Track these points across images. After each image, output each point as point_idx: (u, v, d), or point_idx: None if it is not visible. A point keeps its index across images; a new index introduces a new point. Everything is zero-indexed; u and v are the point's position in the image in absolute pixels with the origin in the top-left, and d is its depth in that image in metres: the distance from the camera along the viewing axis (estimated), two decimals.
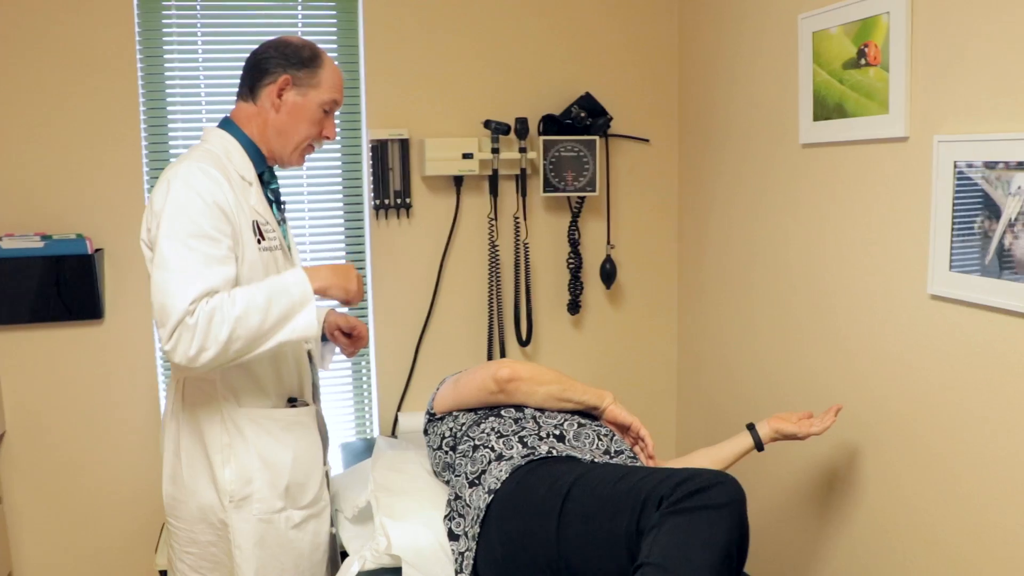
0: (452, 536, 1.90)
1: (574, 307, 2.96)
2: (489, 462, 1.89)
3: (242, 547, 1.89)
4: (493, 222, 2.87)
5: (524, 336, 2.94)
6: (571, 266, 2.94)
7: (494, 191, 2.84)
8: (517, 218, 2.89)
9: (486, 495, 1.80)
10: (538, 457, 1.84)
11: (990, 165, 1.77)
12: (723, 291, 2.79)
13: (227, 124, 1.95)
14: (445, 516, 1.95)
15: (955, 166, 1.85)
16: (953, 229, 1.87)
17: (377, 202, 2.77)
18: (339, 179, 2.82)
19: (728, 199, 2.72)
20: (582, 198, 2.92)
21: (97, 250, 2.57)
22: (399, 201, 2.78)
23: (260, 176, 1.97)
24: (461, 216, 2.85)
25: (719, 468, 2.12)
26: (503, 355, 2.93)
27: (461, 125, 2.81)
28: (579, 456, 1.85)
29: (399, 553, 1.87)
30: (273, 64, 1.91)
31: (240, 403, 1.89)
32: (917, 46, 1.94)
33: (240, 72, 1.96)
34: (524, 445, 1.90)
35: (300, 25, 2.72)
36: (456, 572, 1.83)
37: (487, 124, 2.75)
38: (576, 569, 1.58)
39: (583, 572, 1.57)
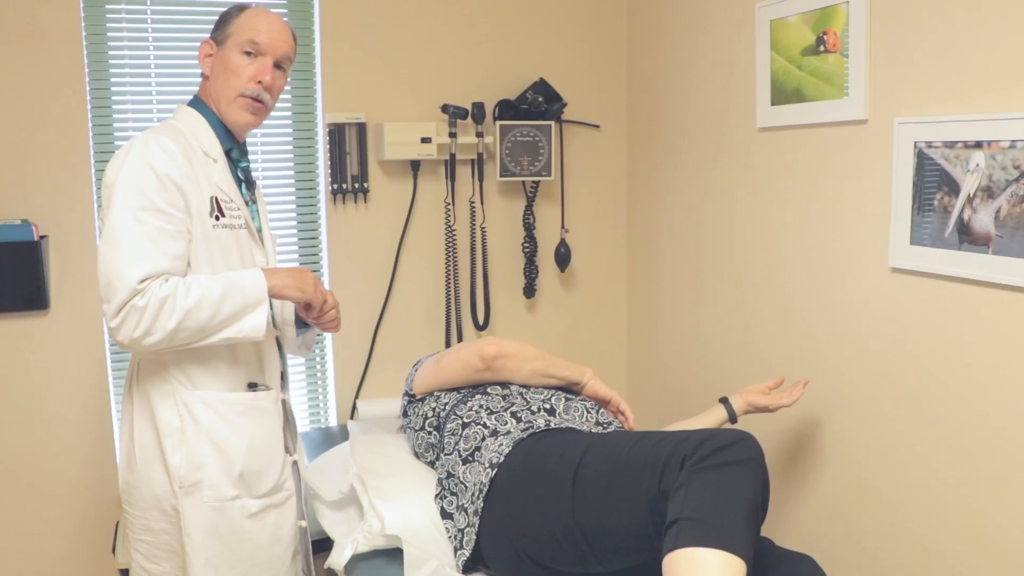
0: (445, 514, 1.91)
1: (529, 291, 2.99)
2: (483, 439, 1.90)
3: (192, 535, 1.83)
4: (450, 207, 2.87)
5: (481, 321, 2.95)
6: (526, 250, 2.97)
7: (451, 176, 2.84)
8: (473, 203, 2.91)
9: (488, 469, 1.81)
10: (539, 430, 1.87)
11: (949, 144, 1.90)
12: (674, 272, 2.87)
13: (195, 101, 1.94)
14: (436, 495, 1.95)
15: (915, 146, 1.97)
16: (914, 205, 1.99)
17: (334, 187, 2.73)
18: (291, 163, 2.77)
19: (679, 183, 2.80)
20: (537, 183, 2.96)
21: (42, 237, 2.45)
22: (356, 186, 2.75)
23: (228, 153, 1.93)
24: (418, 201, 2.85)
25: None
26: (461, 339, 2.94)
27: (418, 109, 2.81)
28: (577, 427, 1.89)
29: (396, 533, 1.86)
30: (209, 35, 1.93)
31: (195, 386, 1.84)
32: (876, 34, 2.05)
33: (190, 46, 1.95)
34: (518, 420, 1.92)
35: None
36: (456, 549, 1.84)
37: (445, 108, 2.76)
38: (593, 534, 1.61)
39: (600, 537, 1.60)
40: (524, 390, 2.07)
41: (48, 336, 2.51)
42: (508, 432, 1.89)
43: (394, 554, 1.90)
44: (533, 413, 1.96)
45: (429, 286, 2.91)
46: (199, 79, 1.96)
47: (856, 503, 2.19)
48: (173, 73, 2.58)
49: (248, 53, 1.87)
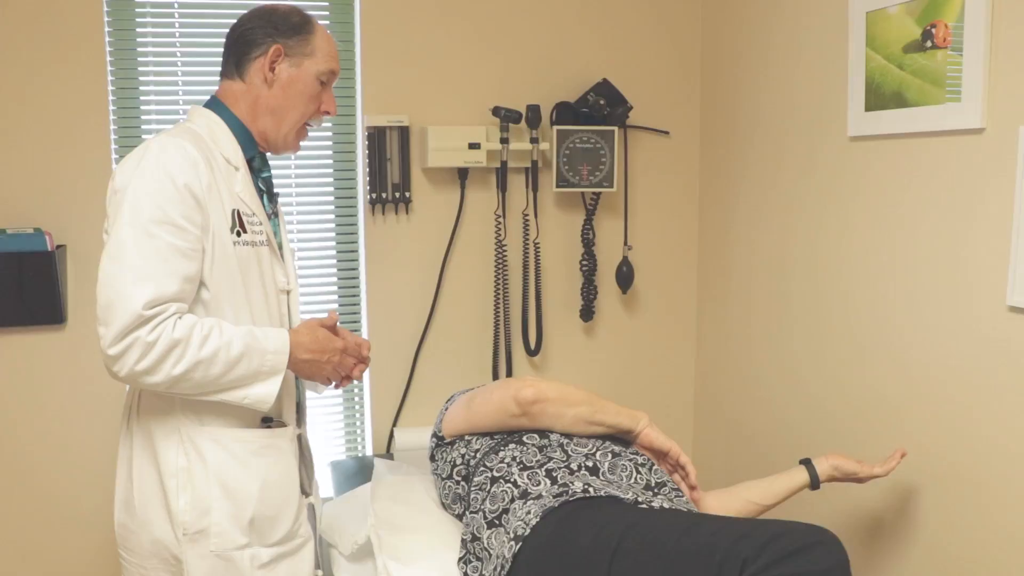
0: None
1: (587, 313, 2.71)
2: (511, 500, 1.63)
3: None
4: (501, 219, 2.61)
5: (533, 345, 2.68)
6: (584, 268, 2.69)
7: (502, 185, 2.58)
8: (527, 215, 2.64)
9: (512, 542, 1.54)
10: (573, 498, 1.58)
11: None
12: (750, 299, 2.55)
13: (214, 104, 1.72)
14: (460, 559, 1.69)
15: None
16: None
17: (373, 196, 2.50)
18: (330, 170, 2.55)
19: (758, 197, 2.48)
20: (597, 194, 2.67)
21: (58, 247, 2.29)
22: (397, 195, 2.52)
23: (250, 162, 1.73)
24: (465, 213, 2.60)
25: (770, 503, 1.88)
26: (510, 366, 2.68)
27: (466, 112, 2.56)
28: (620, 495, 1.60)
29: None
30: (260, 34, 1.69)
31: (202, 421, 1.63)
32: (998, 26, 1.71)
33: (221, 49, 1.73)
34: (554, 481, 1.64)
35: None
36: None
37: (496, 111, 2.50)
38: None
39: None
40: (566, 440, 1.79)
41: (65, 352, 2.35)
42: (539, 496, 1.61)
43: None
44: (572, 472, 1.67)
45: (476, 306, 2.65)
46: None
47: None
48: (201, 72, 2.39)
49: (323, 82, 1.72)
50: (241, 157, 1.69)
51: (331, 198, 2.57)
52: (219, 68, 1.73)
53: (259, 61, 1.68)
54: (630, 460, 1.75)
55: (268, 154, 1.80)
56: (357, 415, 2.68)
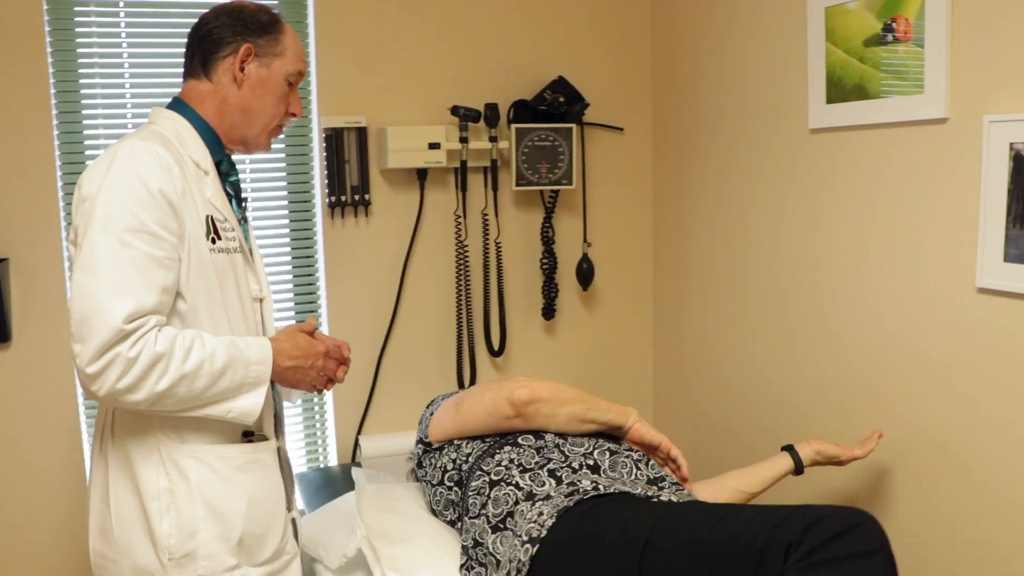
0: None
1: (549, 312, 2.71)
2: (516, 502, 1.61)
3: None
4: (461, 220, 2.58)
5: (496, 346, 2.66)
6: (545, 267, 2.69)
7: (462, 185, 2.56)
8: (486, 215, 2.62)
9: (527, 544, 1.52)
10: (587, 496, 1.57)
11: None
12: (710, 290, 2.59)
13: (178, 105, 1.64)
14: (462, 566, 1.66)
15: (1011, 148, 1.70)
16: (1009, 216, 1.71)
17: (332, 199, 2.44)
18: (284, 173, 2.48)
19: (714, 191, 2.52)
20: (556, 192, 2.67)
21: (1, 260, 2.16)
22: (356, 198, 2.46)
23: (217, 166, 1.66)
24: (425, 214, 2.56)
25: (756, 491, 1.91)
26: (473, 368, 2.65)
27: (423, 112, 2.52)
28: (631, 491, 1.59)
29: None
30: (229, 33, 1.62)
31: (182, 439, 1.56)
32: (959, 19, 1.78)
33: (182, 48, 1.67)
34: (559, 481, 1.63)
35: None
36: None
37: (455, 111, 2.47)
38: None
39: None
40: (561, 440, 1.77)
41: (10, 372, 2.21)
42: (548, 496, 1.59)
43: None
44: (575, 471, 1.66)
45: (438, 309, 2.62)
46: (180, 79, 1.67)
47: (937, 555, 1.91)
48: (150, 75, 2.28)
49: (291, 83, 1.67)
50: (210, 160, 1.63)
51: (285, 203, 2.49)
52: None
53: (228, 60, 1.61)
54: (627, 456, 1.75)
55: (235, 156, 1.74)
56: (318, 425, 2.61)
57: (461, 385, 2.64)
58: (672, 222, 2.74)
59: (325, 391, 1.76)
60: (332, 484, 2.40)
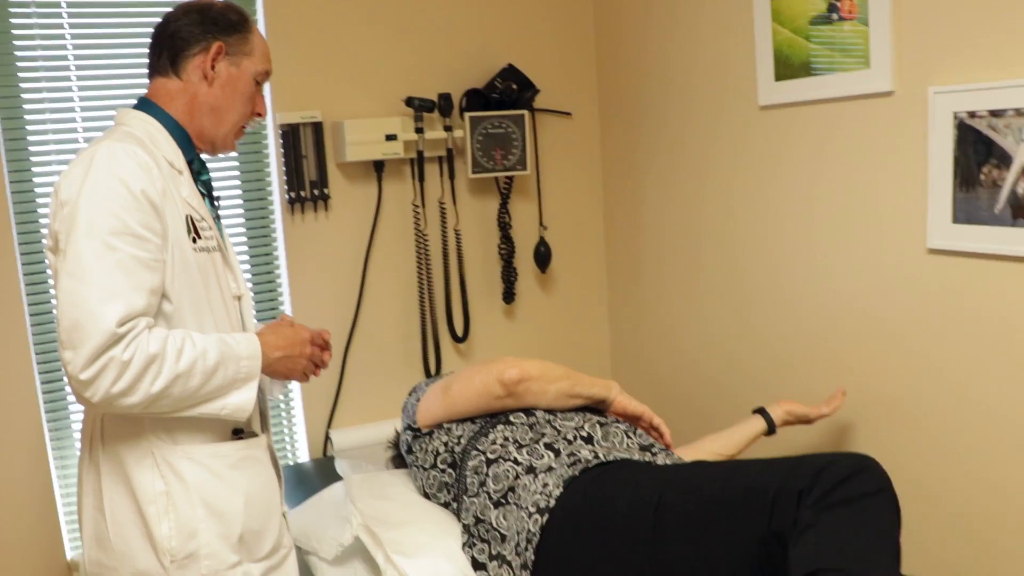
0: (477, 565, 1.66)
1: (509, 296, 2.75)
2: (516, 477, 1.65)
3: None
4: (420, 210, 2.60)
5: (460, 332, 2.70)
6: (503, 252, 2.73)
7: (419, 175, 2.57)
8: (443, 204, 2.65)
9: (536, 515, 1.57)
10: (591, 464, 1.62)
11: (997, 113, 1.75)
12: (663, 267, 2.68)
13: (146, 105, 1.62)
14: (464, 544, 1.70)
15: (955, 117, 1.82)
16: (956, 181, 1.83)
17: (292, 195, 2.43)
18: (237, 172, 2.45)
19: (667, 168, 2.60)
20: (511, 178, 2.71)
21: None
22: (316, 192, 2.46)
23: (189, 164, 1.64)
24: (384, 205, 2.57)
25: (733, 452, 2.00)
26: (438, 355, 2.68)
27: (378, 104, 2.53)
28: (630, 457, 1.66)
29: None
30: (199, 31, 1.61)
31: (175, 440, 1.55)
32: None
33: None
34: (557, 453, 1.68)
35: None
36: None
37: (409, 102, 2.49)
38: None
39: None
40: (551, 416, 1.83)
41: None
42: (550, 468, 1.64)
43: None
44: (570, 443, 1.72)
45: (401, 298, 2.63)
46: (139, 79, 1.65)
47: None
48: (98, 76, 2.23)
49: (258, 83, 1.67)
50: (183, 160, 1.61)
51: (240, 200, 2.46)
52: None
53: (199, 58, 1.60)
54: (616, 427, 1.82)
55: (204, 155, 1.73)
56: (285, 422, 2.60)
57: (428, 372, 2.67)
58: (623, 201, 2.82)
59: (314, 377, 1.77)
60: (307, 480, 2.40)
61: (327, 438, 2.57)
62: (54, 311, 2.23)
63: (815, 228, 2.16)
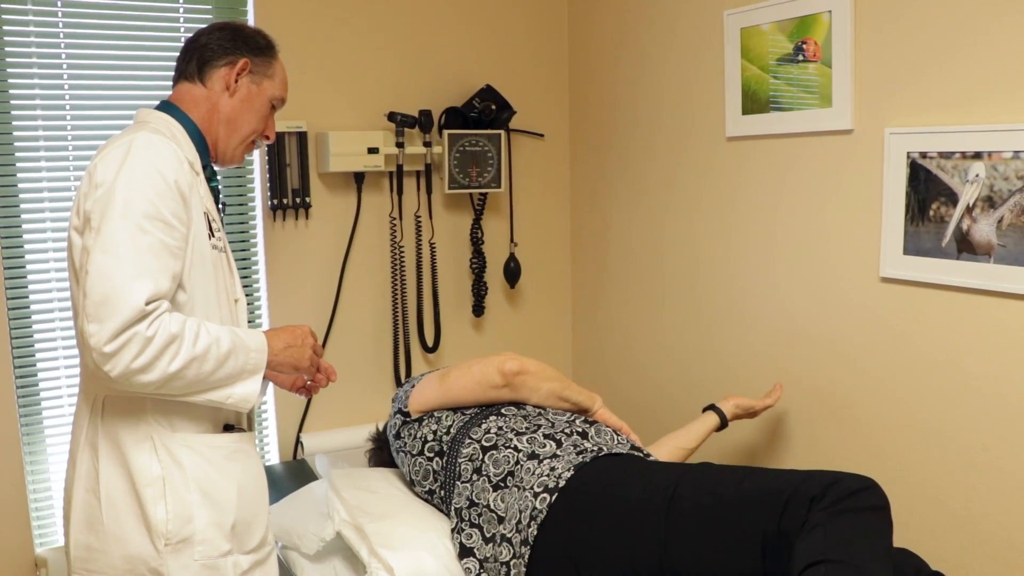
0: (464, 552, 1.74)
1: (478, 309, 2.85)
2: (517, 463, 1.75)
3: None
4: (397, 222, 2.69)
5: (431, 342, 2.78)
6: (474, 267, 2.82)
7: (398, 189, 2.66)
8: (419, 217, 2.73)
9: (544, 494, 1.66)
10: (601, 454, 1.73)
11: (946, 155, 1.91)
12: (625, 285, 2.80)
13: (169, 107, 1.70)
14: (452, 529, 1.78)
15: (908, 156, 1.98)
16: (907, 215, 1.99)
17: (274, 202, 2.49)
18: (220, 176, 2.49)
19: (634, 192, 2.73)
20: (484, 195, 2.82)
21: None
22: (298, 200, 2.52)
23: (204, 169, 1.72)
24: (362, 216, 2.65)
25: (693, 447, 2.16)
26: (409, 364, 2.75)
27: (361, 118, 2.61)
28: (637, 454, 1.78)
29: None
30: (230, 45, 1.72)
31: (174, 427, 1.60)
32: (861, 43, 2.04)
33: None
34: (558, 443, 1.78)
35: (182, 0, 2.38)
36: None
37: (391, 116, 2.58)
38: (686, 573, 1.48)
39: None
40: (542, 411, 1.94)
41: None
42: (555, 455, 1.74)
43: None
44: (568, 436, 1.82)
45: (375, 307, 2.71)
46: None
47: None
48: (88, 76, 2.27)
49: (273, 107, 1.78)
50: (199, 163, 1.69)
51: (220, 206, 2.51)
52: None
53: (224, 70, 1.70)
54: (602, 427, 1.93)
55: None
56: (256, 424, 2.64)
57: (398, 380, 2.74)
58: (590, 222, 2.94)
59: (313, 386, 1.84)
60: (278, 482, 2.45)
61: (298, 441, 2.62)
62: (36, 305, 2.26)
63: (774, 254, 2.30)
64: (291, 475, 2.48)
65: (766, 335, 2.35)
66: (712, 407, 2.23)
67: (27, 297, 2.26)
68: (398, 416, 2.00)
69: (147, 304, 1.44)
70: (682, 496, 1.54)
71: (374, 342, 2.72)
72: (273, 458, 2.65)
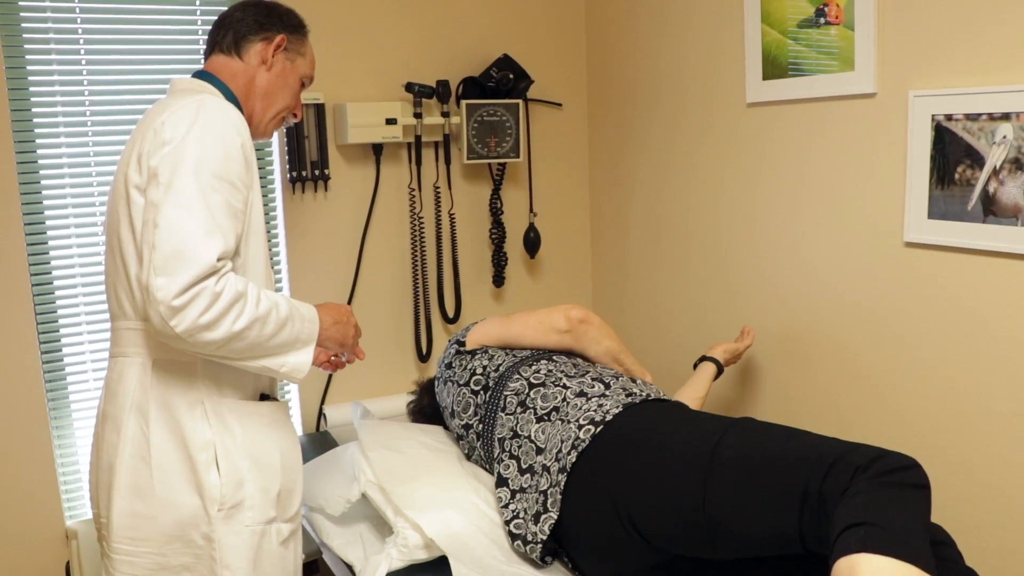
0: (501, 481, 1.78)
1: (499, 279, 2.85)
2: (564, 399, 1.77)
3: (233, 567, 1.59)
4: (416, 193, 2.68)
5: (452, 313, 2.78)
6: (494, 237, 2.82)
7: (417, 159, 2.65)
8: (438, 188, 2.73)
9: (589, 426, 1.67)
10: (650, 398, 1.76)
11: (972, 117, 1.88)
12: (645, 255, 2.79)
13: (208, 76, 1.69)
14: (494, 458, 1.83)
15: (933, 119, 1.95)
16: (932, 179, 1.97)
17: (293, 175, 2.49)
18: None
19: (655, 160, 2.72)
20: (503, 165, 2.80)
21: None
22: (316, 173, 2.52)
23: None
24: (381, 187, 2.64)
25: (703, 394, 2.19)
26: (430, 335, 2.76)
27: (378, 89, 2.60)
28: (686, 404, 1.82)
29: (439, 541, 1.69)
30: (266, 22, 1.73)
31: (223, 393, 1.61)
32: (885, 5, 2.01)
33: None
34: (607, 386, 1.80)
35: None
36: (538, 514, 1.68)
37: (409, 87, 2.56)
38: (722, 521, 1.48)
39: (728, 524, 1.47)
40: (593, 366, 1.97)
41: None
42: (603, 395, 1.76)
43: (431, 568, 1.73)
44: (617, 380, 1.85)
45: (395, 279, 2.71)
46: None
47: None
48: (106, 51, 2.27)
49: (302, 85, 1.79)
50: None
51: None
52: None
53: (261, 44, 1.71)
54: (651, 385, 1.95)
55: None
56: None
57: (419, 352, 2.75)
58: (609, 190, 2.92)
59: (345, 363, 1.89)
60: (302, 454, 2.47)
61: (320, 414, 2.64)
62: (59, 281, 2.27)
63: (799, 220, 2.29)
64: (314, 446, 2.50)
65: (791, 301, 2.34)
66: (705, 357, 2.30)
67: (50, 273, 2.27)
68: (453, 346, 2.05)
69: (218, 260, 1.44)
70: (728, 444, 1.54)
71: (395, 313, 2.72)
72: (296, 430, 2.66)
